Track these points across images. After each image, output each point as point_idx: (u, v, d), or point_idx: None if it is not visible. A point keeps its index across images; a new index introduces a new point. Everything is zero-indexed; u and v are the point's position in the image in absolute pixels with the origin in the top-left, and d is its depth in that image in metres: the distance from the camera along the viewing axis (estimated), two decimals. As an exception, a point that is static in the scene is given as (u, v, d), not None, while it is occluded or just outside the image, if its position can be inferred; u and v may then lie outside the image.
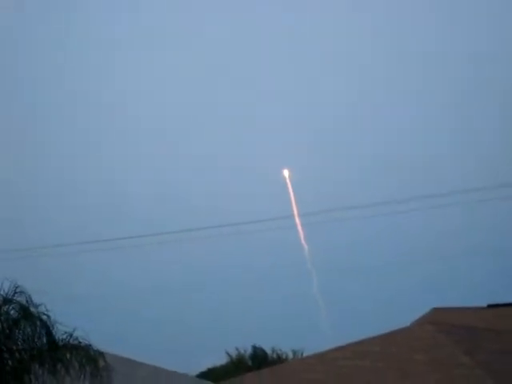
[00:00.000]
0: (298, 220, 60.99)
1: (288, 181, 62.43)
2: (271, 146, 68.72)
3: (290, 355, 55.95)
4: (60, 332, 20.88)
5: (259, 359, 54.91)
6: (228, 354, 56.05)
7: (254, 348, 55.89)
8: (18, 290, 20.74)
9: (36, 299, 20.76)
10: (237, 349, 55.97)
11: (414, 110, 70.10)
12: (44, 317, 20.93)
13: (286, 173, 62.37)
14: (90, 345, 20.90)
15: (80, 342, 20.91)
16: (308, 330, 57.91)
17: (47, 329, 20.69)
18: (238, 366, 54.07)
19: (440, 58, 68.53)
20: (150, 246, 61.68)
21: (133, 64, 73.43)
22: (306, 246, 60.97)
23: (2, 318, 20.50)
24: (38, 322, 20.76)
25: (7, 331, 20.64)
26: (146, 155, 71.58)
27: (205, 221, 60.76)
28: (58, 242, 58.45)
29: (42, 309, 20.96)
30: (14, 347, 20.67)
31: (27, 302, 20.66)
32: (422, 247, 62.63)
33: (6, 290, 20.64)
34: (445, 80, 69.11)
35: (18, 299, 20.70)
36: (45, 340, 20.63)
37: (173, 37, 72.67)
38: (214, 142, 70.23)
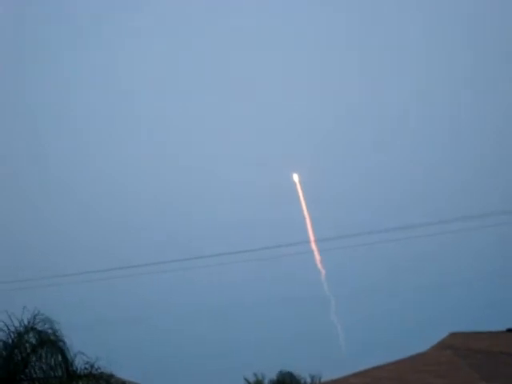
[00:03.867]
0: (314, 245, 61.05)
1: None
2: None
3: (308, 380, 55.70)
4: (81, 361, 20.97)
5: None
6: (246, 380, 55.86)
7: (280, 373, 55.54)
8: (39, 319, 20.91)
9: (56, 327, 20.89)
10: (255, 374, 55.78)
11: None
12: (61, 343, 21.05)
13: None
14: (112, 375, 20.96)
15: (101, 372, 20.95)
16: (325, 355, 57.68)
17: (64, 357, 20.79)
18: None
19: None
20: (163, 273, 61.85)
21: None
22: (322, 271, 60.97)
23: (21, 346, 20.66)
24: (56, 350, 20.88)
25: (26, 359, 20.77)
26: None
27: (219, 247, 60.91)
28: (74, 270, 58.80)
29: (60, 336, 21.09)
30: (33, 375, 20.79)
31: (51, 328, 20.81)
32: (439, 271, 62.44)
33: (27, 319, 20.80)
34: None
35: (40, 327, 20.85)
36: (64, 368, 20.74)
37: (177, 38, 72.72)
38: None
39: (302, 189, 62.49)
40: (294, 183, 62.73)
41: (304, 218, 61.89)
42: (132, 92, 72.82)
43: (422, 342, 40.04)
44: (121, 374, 22.00)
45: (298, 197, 62.21)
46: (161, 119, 73.60)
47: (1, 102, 71.93)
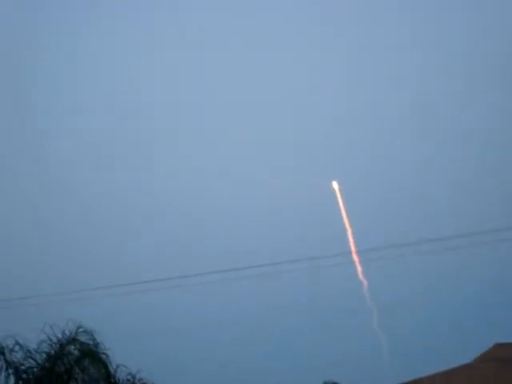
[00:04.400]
0: (356, 256, 60.70)
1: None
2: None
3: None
4: (124, 372, 21.01)
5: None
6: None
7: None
8: (81, 330, 21.00)
9: (98, 339, 20.96)
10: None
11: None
12: (103, 356, 21.11)
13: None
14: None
15: (144, 383, 20.99)
16: (370, 366, 57.23)
17: (107, 369, 20.85)
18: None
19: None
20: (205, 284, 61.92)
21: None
22: (364, 282, 60.54)
23: (64, 358, 20.76)
24: (99, 362, 20.94)
25: (69, 371, 20.86)
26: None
27: (260, 258, 60.80)
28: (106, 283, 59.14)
29: (101, 348, 21.15)
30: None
31: (92, 340, 20.88)
32: (483, 280, 61.72)
33: (69, 331, 20.91)
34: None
35: (82, 339, 20.93)
36: (106, 380, 20.79)
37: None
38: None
39: (342, 197, 62.11)
40: (333, 191, 62.32)
41: (344, 228, 61.59)
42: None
43: (468, 353, 39.49)
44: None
45: (338, 205, 61.83)
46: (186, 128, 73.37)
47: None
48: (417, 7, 70.95)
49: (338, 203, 61.88)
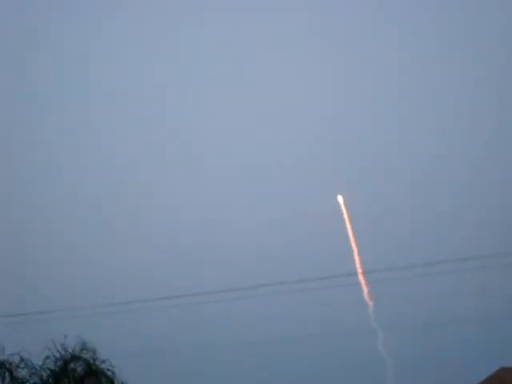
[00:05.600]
0: (361, 277, 60.55)
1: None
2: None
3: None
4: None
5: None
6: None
7: None
8: (84, 347, 21.06)
9: (103, 356, 21.03)
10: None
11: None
12: (109, 373, 21.18)
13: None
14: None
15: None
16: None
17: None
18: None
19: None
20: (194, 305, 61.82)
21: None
22: (369, 303, 60.37)
23: (70, 375, 20.82)
24: (104, 379, 21.01)
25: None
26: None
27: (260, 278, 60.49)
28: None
29: (107, 365, 21.22)
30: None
31: (93, 358, 20.95)
32: (487, 304, 61.51)
33: (73, 347, 20.98)
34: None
35: (85, 356, 21.00)
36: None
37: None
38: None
39: (347, 211, 61.71)
40: (338, 205, 61.80)
41: (350, 247, 61.33)
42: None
43: (473, 376, 39.39)
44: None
45: (343, 219, 61.35)
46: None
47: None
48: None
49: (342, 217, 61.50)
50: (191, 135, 72.77)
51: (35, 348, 21.39)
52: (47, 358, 21.08)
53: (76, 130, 72.87)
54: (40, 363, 21.09)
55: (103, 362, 20.93)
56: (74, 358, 21.01)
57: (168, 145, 72.48)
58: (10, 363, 20.45)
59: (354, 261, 60.11)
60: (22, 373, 20.92)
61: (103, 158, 71.57)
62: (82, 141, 72.74)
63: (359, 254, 60.60)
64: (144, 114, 72.33)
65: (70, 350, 21.13)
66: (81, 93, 73.14)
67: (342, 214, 59.94)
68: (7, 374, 20.50)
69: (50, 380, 20.88)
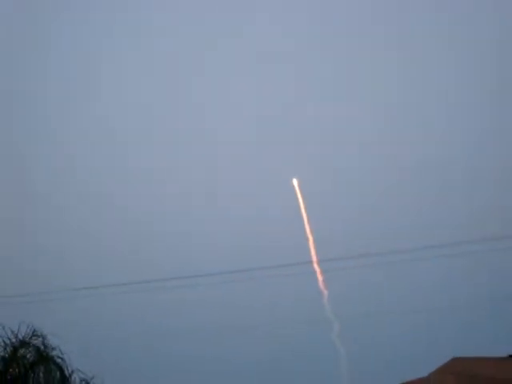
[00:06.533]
0: (316, 266, 60.64)
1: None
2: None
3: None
4: (77, 378, 20.80)
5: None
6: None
7: None
8: (34, 334, 20.74)
9: (52, 343, 20.73)
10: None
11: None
12: (59, 360, 20.87)
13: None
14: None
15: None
16: (327, 379, 57.22)
17: (62, 373, 20.62)
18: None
19: None
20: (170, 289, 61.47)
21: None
22: (325, 292, 60.57)
23: (19, 362, 20.47)
24: (53, 366, 20.70)
25: (24, 375, 20.59)
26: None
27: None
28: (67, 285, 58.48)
29: (57, 352, 20.92)
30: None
31: (43, 345, 20.63)
32: (441, 294, 62.03)
33: (23, 334, 20.64)
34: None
35: (35, 342, 20.68)
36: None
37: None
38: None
39: (301, 195, 61.38)
40: (293, 188, 61.51)
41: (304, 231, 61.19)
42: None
43: (425, 367, 39.67)
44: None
45: (298, 204, 61.03)
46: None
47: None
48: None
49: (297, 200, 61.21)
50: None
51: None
52: (-4, 344, 20.65)
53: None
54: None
55: (53, 349, 20.57)
56: (24, 344, 20.63)
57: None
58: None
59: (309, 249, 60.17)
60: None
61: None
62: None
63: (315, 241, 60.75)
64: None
65: (20, 337, 20.73)
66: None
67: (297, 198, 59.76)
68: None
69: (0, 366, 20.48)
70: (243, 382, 57.10)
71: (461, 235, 58.20)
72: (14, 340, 20.72)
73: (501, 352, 41.07)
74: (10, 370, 20.64)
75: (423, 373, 37.37)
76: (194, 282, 59.72)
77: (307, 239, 61.14)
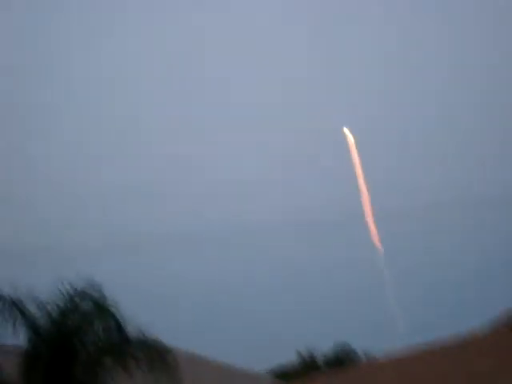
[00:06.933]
0: (369, 216, 60.48)
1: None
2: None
3: (363, 356, 55.73)
4: (130, 327, 21.29)
5: (331, 360, 54.83)
6: (300, 352, 56.07)
7: (335, 344, 55.44)
8: (92, 286, 21.23)
9: (108, 294, 21.21)
10: (307, 347, 55.95)
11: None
12: (115, 311, 21.38)
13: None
14: (159, 341, 21.28)
15: (149, 338, 21.28)
16: (379, 332, 57.52)
17: (118, 324, 21.12)
18: (308, 365, 54.11)
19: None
20: (224, 244, 62.17)
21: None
22: (378, 244, 60.49)
23: (76, 311, 21.03)
24: (110, 318, 21.21)
25: (81, 325, 21.15)
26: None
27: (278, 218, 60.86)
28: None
29: (114, 304, 21.41)
30: (87, 340, 21.19)
31: (101, 297, 21.12)
32: (501, 247, 61.64)
33: (81, 285, 21.16)
34: None
35: (92, 294, 21.18)
36: (116, 335, 21.07)
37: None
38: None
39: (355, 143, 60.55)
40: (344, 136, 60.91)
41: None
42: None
43: (478, 319, 39.60)
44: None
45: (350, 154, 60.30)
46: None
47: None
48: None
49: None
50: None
51: (46, 286, 21.58)
52: (55, 295, 21.26)
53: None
54: (48, 301, 21.25)
55: (108, 299, 21.11)
56: (81, 294, 21.21)
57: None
58: (22, 301, 20.65)
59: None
60: (31, 310, 21.11)
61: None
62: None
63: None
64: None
65: (78, 288, 21.30)
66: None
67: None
68: (14, 308, 20.71)
69: (58, 317, 21.08)
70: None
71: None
72: (71, 291, 21.29)
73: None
74: (68, 320, 21.23)
75: (477, 325, 37.20)
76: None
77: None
